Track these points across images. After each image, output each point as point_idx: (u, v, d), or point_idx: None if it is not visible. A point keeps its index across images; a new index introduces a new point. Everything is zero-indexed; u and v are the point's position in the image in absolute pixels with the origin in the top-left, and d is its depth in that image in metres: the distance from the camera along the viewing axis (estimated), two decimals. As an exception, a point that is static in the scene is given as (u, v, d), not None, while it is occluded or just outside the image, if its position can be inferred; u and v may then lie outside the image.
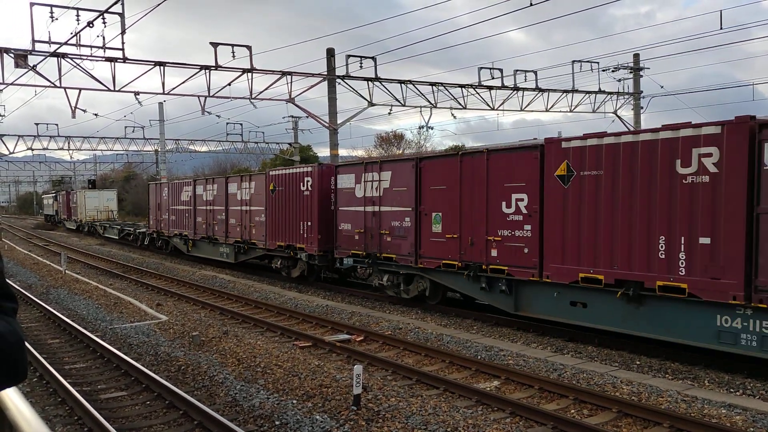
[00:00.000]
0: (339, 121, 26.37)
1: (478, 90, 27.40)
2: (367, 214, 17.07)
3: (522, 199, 12.76)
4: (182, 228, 28.92)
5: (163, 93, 23.04)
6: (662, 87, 53.97)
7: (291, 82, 24.05)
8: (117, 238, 40.74)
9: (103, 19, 18.55)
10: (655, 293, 10.48)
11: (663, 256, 10.35)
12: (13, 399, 1.42)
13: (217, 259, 26.09)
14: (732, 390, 9.19)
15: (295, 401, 8.38)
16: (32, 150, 45.73)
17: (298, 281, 20.83)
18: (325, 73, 24.89)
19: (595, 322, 11.68)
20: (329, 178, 18.99)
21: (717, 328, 9.83)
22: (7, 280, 1.47)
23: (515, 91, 28.26)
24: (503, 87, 27.66)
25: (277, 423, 7.69)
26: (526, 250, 12.69)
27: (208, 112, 26.43)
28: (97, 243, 41.62)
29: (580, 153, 11.59)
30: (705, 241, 9.84)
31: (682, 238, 10.10)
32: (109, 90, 21.85)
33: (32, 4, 18.86)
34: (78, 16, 18.88)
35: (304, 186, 19.77)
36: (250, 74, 22.82)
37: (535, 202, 12.45)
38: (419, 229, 15.37)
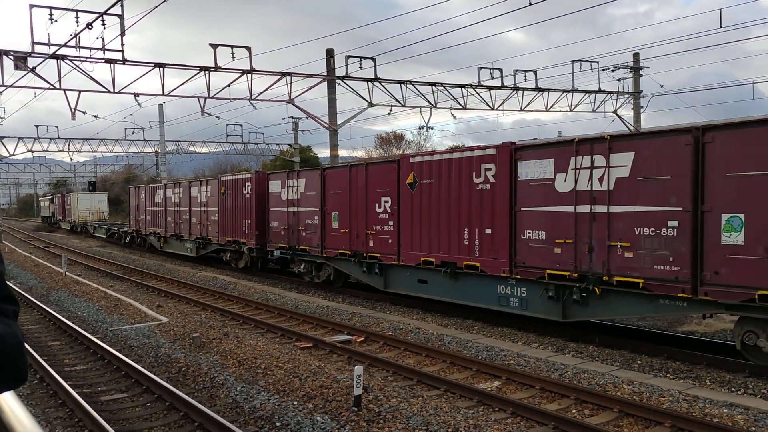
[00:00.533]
0: (339, 122, 26.36)
1: (477, 90, 27.39)
2: (290, 214, 20.55)
3: (387, 202, 16.35)
4: (156, 227, 32.52)
5: (163, 94, 23.04)
6: (662, 86, 53.96)
7: (291, 83, 24.06)
8: (105, 237, 44.02)
9: (103, 20, 18.55)
10: (462, 270, 14.05)
11: (466, 243, 13.93)
12: (8, 402, 1.41)
13: (183, 253, 29.56)
14: (734, 389, 9.17)
15: (295, 402, 8.37)
16: (32, 152, 45.76)
17: (244, 271, 23.99)
18: (325, 73, 24.89)
19: (433, 295, 15.13)
20: (265, 183, 22.23)
21: (497, 294, 13.45)
22: (8, 283, 1.46)
23: (515, 91, 28.25)
24: (503, 87, 27.65)
25: (277, 424, 7.68)
26: (390, 241, 16.25)
27: (208, 114, 26.42)
28: (97, 245, 41.63)
29: (420, 166, 15.16)
30: (488, 231, 13.45)
31: (476, 229, 13.71)
32: (108, 92, 21.84)
33: (32, 6, 18.86)
34: (77, 17, 18.89)
35: (246, 190, 23.12)
36: (249, 75, 22.82)
37: (395, 204, 16.03)
38: (324, 226, 18.88)
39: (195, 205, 27.71)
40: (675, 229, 10.21)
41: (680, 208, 10.13)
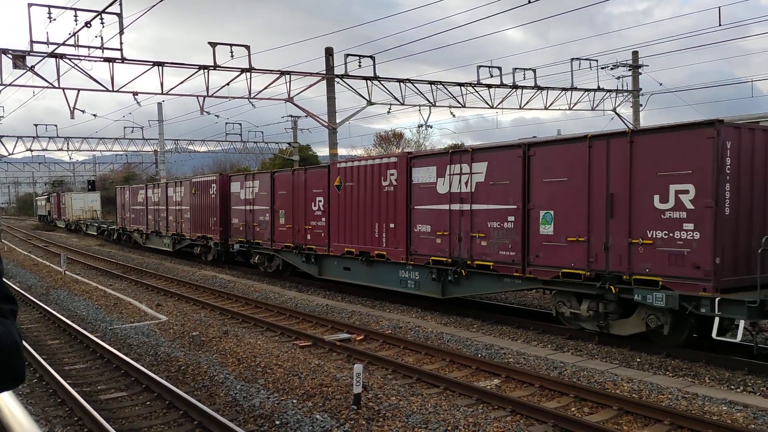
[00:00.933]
0: (338, 120, 26.35)
1: (476, 88, 27.38)
2: (247, 212, 23.25)
3: (321, 201, 18.99)
4: (139, 224, 35.22)
5: (162, 93, 23.02)
6: (661, 84, 53.99)
7: (290, 82, 24.04)
8: (96, 234, 46.85)
9: (101, 19, 18.53)
10: (374, 258, 16.69)
11: (376, 235, 16.59)
12: (7, 402, 1.40)
13: (162, 248, 32.10)
14: (733, 387, 9.18)
15: (295, 401, 8.37)
16: (31, 151, 45.71)
17: (212, 263, 26.72)
18: (324, 72, 24.87)
19: (355, 280, 17.80)
20: (227, 184, 24.97)
21: (399, 278, 16.11)
22: (7, 282, 1.45)
23: (514, 90, 28.23)
24: (502, 85, 27.64)
25: (277, 423, 7.68)
26: (322, 234, 18.89)
27: (207, 112, 26.42)
28: (96, 243, 41.63)
29: (345, 171, 17.82)
30: (392, 225, 16.10)
31: (384, 224, 16.32)
32: (107, 90, 21.83)
33: (30, 5, 18.82)
34: (76, 16, 18.86)
35: (212, 191, 25.70)
36: (248, 74, 22.80)
37: (327, 203, 18.65)
38: (273, 222, 21.51)
39: (171, 204, 30.28)
40: (512, 223, 12.99)
41: (515, 206, 12.87)
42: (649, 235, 10.55)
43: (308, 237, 19.61)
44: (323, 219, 18.90)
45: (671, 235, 10.27)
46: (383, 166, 16.41)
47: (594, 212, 11.45)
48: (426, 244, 15.09)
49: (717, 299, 9.61)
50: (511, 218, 12.99)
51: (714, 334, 9.70)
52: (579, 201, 11.69)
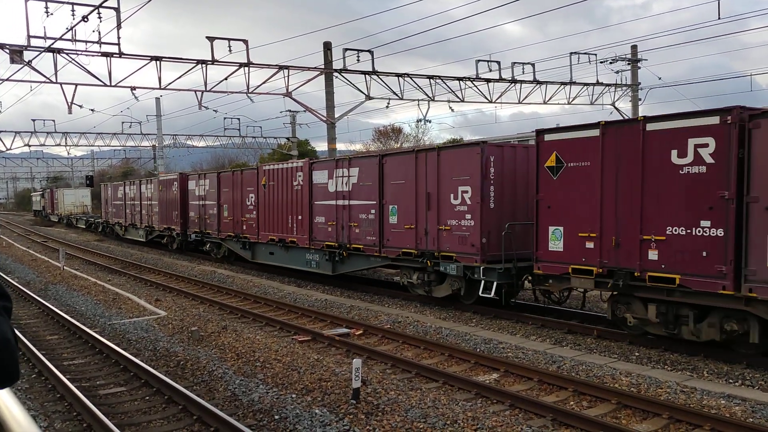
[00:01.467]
0: (336, 115, 26.30)
1: (475, 83, 27.33)
2: (200, 206, 27.06)
3: (252, 197, 22.81)
4: (119, 218, 39.09)
5: (160, 88, 22.96)
6: (660, 78, 53.89)
7: (288, 76, 23.98)
8: (84, 227, 50.87)
9: (99, 13, 18.45)
10: (289, 244, 20.57)
11: (290, 226, 20.47)
12: (3, 398, 1.39)
13: (137, 239, 35.89)
14: (731, 381, 9.19)
15: (294, 395, 8.37)
16: (29, 146, 45.63)
17: (176, 252, 30.45)
18: (322, 66, 24.81)
19: (277, 262, 21.64)
20: (185, 182, 28.85)
21: (306, 259, 19.90)
22: (6, 277, 1.43)
23: (513, 84, 28.19)
24: (501, 80, 27.59)
25: (276, 417, 7.69)
26: (254, 225, 22.67)
27: (205, 107, 26.34)
28: (95, 239, 41.59)
29: (269, 172, 21.75)
30: (300, 217, 19.92)
31: (295, 216, 20.17)
32: (105, 85, 21.77)
33: None
34: (73, 10, 18.79)
35: (174, 187, 29.53)
36: (246, 68, 22.74)
37: (256, 199, 22.50)
38: (219, 215, 25.38)
39: (144, 199, 34.07)
40: (374, 215, 16.79)
41: (375, 202, 16.69)
42: (448, 223, 14.60)
43: (244, 227, 23.41)
44: (254, 212, 22.72)
45: (459, 223, 14.35)
46: (294, 169, 20.37)
47: (419, 206, 15.36)
48: (322, 232, 18.95)
49: (482, 267, 13.69)
50: (373, 211, 16.90)
51: (480, 292, 13.71)
52: (411, 198, 15.55)
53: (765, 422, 7.43)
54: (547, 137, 12.28)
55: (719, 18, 21.39)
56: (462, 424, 7.32)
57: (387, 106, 27.98)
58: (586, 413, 7.94)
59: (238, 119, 43.97)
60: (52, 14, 18.79)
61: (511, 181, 14.16)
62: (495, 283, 13.32)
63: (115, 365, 10.46)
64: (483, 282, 13.75)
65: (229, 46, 21.54)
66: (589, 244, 11.46)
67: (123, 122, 45.01)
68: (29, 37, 19.25)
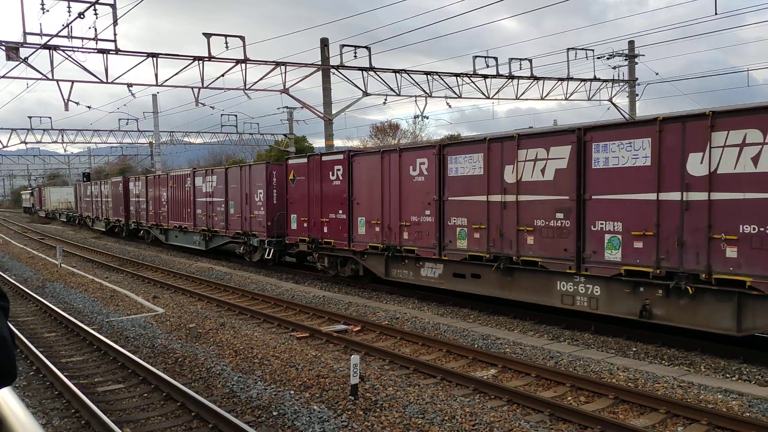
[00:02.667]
0: (334, 112, 26.27)
1: (473, 79, 27.31)
2: (137, 202, 34.75)
3: (164, 196, 30.53)
4: (89, 212, 47.06)
5: (157, 84, 22.89)
6: (657, 74, 53.89)
7: (285, 73, 23.92)
8: (66, 220, 58.58)
9: (95, 10, 18.40)
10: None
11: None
12: (3, 396, 1.39)
13: (100, 229, 43.42)
14: (728, 375, 9.22)
15: (292, 392, 8.38)
16: (26, 143, 45.49)
17: (127, 238, 37.55)
18: (319, 63, 24.77)
19: (191, 244, 27.77)
20: (127, 184, 36.72)
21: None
22: (3, 275, 1.43)
23: (510, 80, 28.17)
24: (498, 75, 27.56)
25: (274, 413, 7.70)
26: (162, 216, 30.31)
27: (202, 104, 26.26)
28: (92, 236, 41.55)
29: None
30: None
31: (187, 209, 27.15)
32: (101, 82, 21.70)
33: (23, -4, 18.66)
34: (69, 7, 18.71)
35: (119, 188, 37.40)
36: (243, 65, 22.68)
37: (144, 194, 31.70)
38: (147, 208, 32.58)
39: (103, 197, 42.04)
40: (223, 209, 24.17)
41: (222, 199, 23.82)
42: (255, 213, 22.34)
43: (161, 218, 31.36)
44: (164, 208, 30.72)
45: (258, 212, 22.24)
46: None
47: (243, 203, 22.87)
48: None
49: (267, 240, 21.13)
50: (222, 206, 24.37)
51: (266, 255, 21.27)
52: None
53: (762, 416, 7.46)
54: (291, 161, 20.58)
55: (716, 13, 21.41)
56: (460, 420, 7.33)
57: (384, 103, 27.92)
58: (584, 408, 7.96)
59: (236, 116, 43.86)
60: (48, 11, 18.73)
61: (281, 186, 21.10)
62: (273, 249, 21.13)
63: (113, 362, 10.46)
64: (267, 249, 21.80)
65: (226, 43, 21.47)
66: (304, 224, 19.41)
67: (120, 119, 44.97)
68: (25, 33, 19.18)
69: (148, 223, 32.74)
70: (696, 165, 9.85)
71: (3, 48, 19.82)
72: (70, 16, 18.78)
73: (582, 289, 11.72)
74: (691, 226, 9.91)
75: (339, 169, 17.84)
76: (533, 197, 12.37)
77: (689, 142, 9.95)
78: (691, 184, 9.90)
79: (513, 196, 12.71)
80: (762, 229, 9.08)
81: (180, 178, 28.38)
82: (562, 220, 11.86)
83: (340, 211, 17.83)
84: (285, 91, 24.75)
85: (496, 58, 26.98)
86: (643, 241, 10.54)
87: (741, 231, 9.31)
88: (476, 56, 26.72)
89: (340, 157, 17.93)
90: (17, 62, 20.16)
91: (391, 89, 25.92)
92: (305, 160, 19.65)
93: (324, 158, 18.76)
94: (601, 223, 11.20)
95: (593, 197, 11.31)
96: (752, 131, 9.22)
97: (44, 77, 21.20)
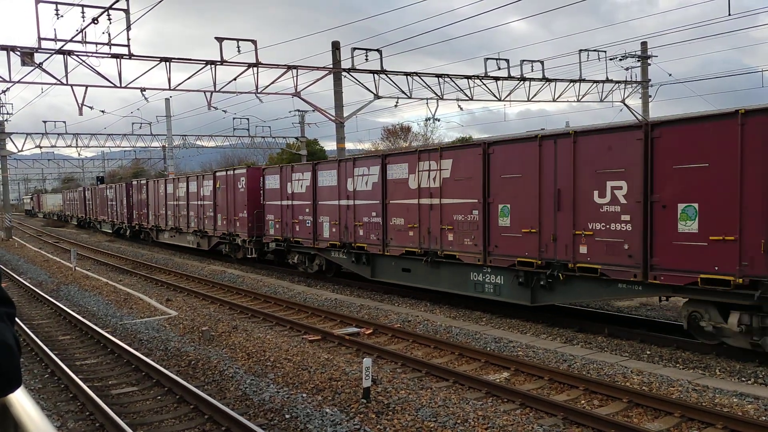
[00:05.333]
0: (345, 115, 26.32)
1: (484, 81, 27.27)
2: (113, 204, 41.31)
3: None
4: (76, 212, 57.68)
5: (170, 89, 23.07)
6: (670, 75, 53.54)
7: (296, 76, 24.03)
8: (57, 219, 71.13)
9: (108, 15, 18.56)
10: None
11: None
12: (18, 396, 1.41)
13: (74, 222, 57.54)
14: (743, 379, 9.13)
15: (305, 395, 8.40)
16: (40, 148, 45.94)
17: (114, 235, 43.67)
18: (331, 66, 24.83)
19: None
20: (104, 190, 44.82)
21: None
22: (19, 278, 1.44)
23: (522, 82, 28.10)
24: (510, 77, 27.51)
25: (287, 417, 7.71)
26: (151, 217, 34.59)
27: (214, 108, 26.44)
28: (106, 239, 41.85)
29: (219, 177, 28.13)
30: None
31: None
32: (115, 86, 21.89)
33: (38, 2, 18.88)
34: (83, 13, 18.91)
35: (96, 193, 48.12)
36: (255, 69, 22.80)
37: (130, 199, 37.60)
38: (127, 210, 38.89)
39: (80, 200, 54.25)
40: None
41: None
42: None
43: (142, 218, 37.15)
44: (144, 209, 36.35)
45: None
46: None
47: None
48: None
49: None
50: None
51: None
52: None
53: (778, 421, 7.38)
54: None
55: (729, 14, 21.23)
56: (473, 423, 7.31)
57: (395, 105, 28.08)
58: (597, 412, 7.91)
59: (247, 119, 44.13)
60: (62, 16, 18.95)
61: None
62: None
63: (127, 365, 10.53)
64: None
65: (238, 47, 21.61)
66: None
67: (133, 123, 45.28)
68: (40, 39, 19.39)
69: (131, 222, 38.74)
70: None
71: (18, 53, 20.04)
72: (84, 21, 18.97)
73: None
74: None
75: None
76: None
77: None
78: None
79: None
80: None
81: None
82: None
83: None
84: (297, 94, 24.84)
85: (507, 60, 26.94)
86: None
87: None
88: (487, 58, 26.70)
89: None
90: (32, 67, 20.38)
91: (403, 92, 25.94)
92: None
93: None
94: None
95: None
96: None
97: (59, 82, 21.41)
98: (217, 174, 26.47)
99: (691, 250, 10.07)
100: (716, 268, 9.73)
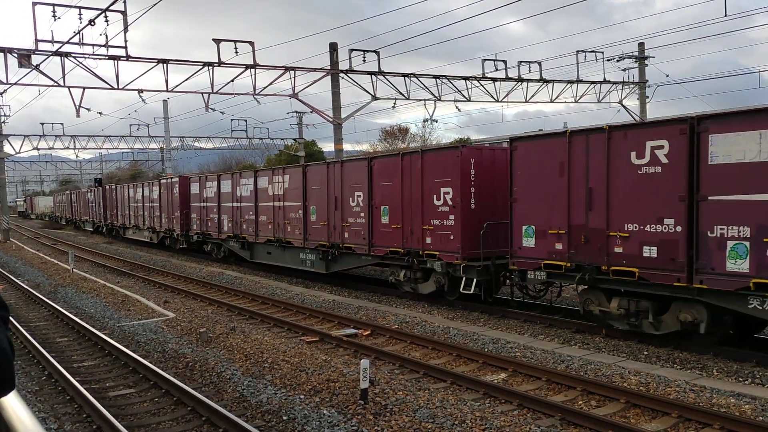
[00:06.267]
0: (343, 116, 26.33)
1: (482, 82, 27.30)
2: (94, 205, 44.91)
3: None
4: (65, 213, 62.53)
5: (167, 90, 23.05)
6: (668, 76, 53.65)
7: (294, 78, 24.03)
8: (47, 219, 77.64)
9: (106, 17, 18.55)
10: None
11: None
12: (9, 400, 1.40)
13: (64, 224, 62.83)
14: (741, 379, 9.14)
15: (302, 396, 8.39)
16: (38, 150, 45.90)
17: (94, 233, 47.61)
18: (329, 67, 24.84)
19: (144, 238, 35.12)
20: (86, 193, 50.26)
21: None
22: (16, 280, 1.44)
23: (519, 83, 28.13)
24: (507, 78, 27.54)
25: (284, 418, 7.71)
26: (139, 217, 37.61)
27: (212, 109, 26.43)
28: (104, 241, 41.81)
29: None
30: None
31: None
32: (112, 88, 21.88)
33: (35, 4, 18.87)
34: (80, 14, 18.90)
35: (62, 196, 64.46)
36: (253, 70, 22.80)
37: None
38: (104, 210, 42.98)
39: (66, 202, 60.37)
40: (177, 211, 28.52)
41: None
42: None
43: (127, 218, 39.03)
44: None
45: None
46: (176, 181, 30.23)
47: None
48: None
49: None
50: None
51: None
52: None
53: (775, 421, 7.39)
54: (190, 178, 28.89)
55: (726, 14, 21.28)
56: (470, 424, 7.31)
57: (393, 107, 28.00)
58: (595, 413, 7.91)
59: (245, 121, 44.10)
60: (59, 18, 18.92)
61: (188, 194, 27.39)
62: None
63: (125, 367, 10.51)
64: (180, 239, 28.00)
65: (236, 48, 21.61)
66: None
67: (131, 125, 45.26)
68: (37, 41, 19.39)
69: (118, 224, 42.42)
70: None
71: (15, 55, 20.02)
72: (81, 23, 18.96)
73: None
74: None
75: (213, 184, 25.56)
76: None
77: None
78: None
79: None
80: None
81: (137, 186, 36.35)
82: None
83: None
84: (294, 95, 24.84)
85: (505, 61, 26.97)
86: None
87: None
88: (485, 59, 26.74)
89: (215, 175, 25.96)
90: (29, 69, 20.36)
91: (401, 93, 25.96)
92: (198, 177, 28.04)
93: (208, 176, 27.08)
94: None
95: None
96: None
97: (56, 84, 21.40)
98: (162, 182, 31.77)
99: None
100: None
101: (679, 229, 10.17)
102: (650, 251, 10.56)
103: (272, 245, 21.41)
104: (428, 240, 15.08)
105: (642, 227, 10.67)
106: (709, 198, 9.79)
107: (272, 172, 21.28)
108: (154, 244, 34.41)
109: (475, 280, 13.98)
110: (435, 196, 14.79)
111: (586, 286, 11.76)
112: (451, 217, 14.43)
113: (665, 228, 10.36)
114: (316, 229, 18.94)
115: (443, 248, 14.65)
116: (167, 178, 31.73)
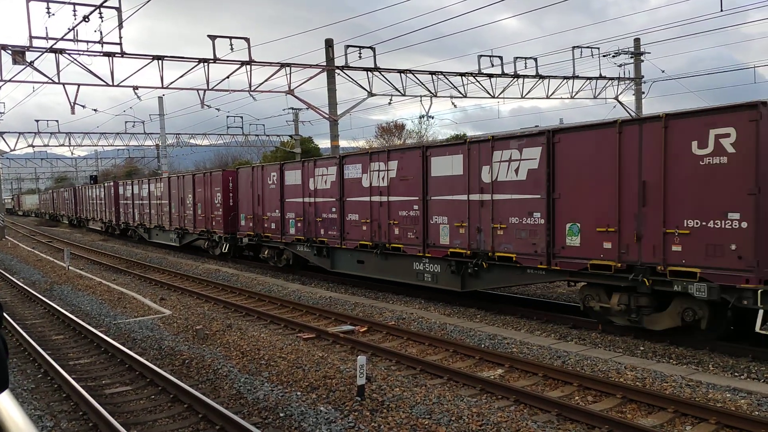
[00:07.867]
0: (339, 112, 26.29)
1: (478, 78, 27.28)
2: (71, 204, 53.41)
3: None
4: (47, 209, 69.54)
5: (162, 87, 22.98)
6: (663, 71, 53.71)
7: (290, 74, 23.97)
8: (34, 216, 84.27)
9: (100, 13, 18.46)
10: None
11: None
12: (2, 398, 1.39)
13: (49, 218, 70.34)
14: (737, 374, 9.17)
15: (299, 393, 8.38)
16: (33, 147, 45.72)
17: (71, 227, 51.95)
18: (324, 63, 24.79)
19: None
20: (76, 192, 52.41)
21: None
22: (12, 277, 1.43)
23: (515, 79, 28.12)
24: (503, 74, 27.52)
25: (281, 415, 7.70)
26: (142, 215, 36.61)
27: (207, 106, 26.35)
28: (100, 239, 41.72)
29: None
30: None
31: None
32: (107, 85, 21.80)
33: (29, 0, 18.76)
34: (75, 10, 18.81)
35: (53, 194, 70.00)
36: (248, 67, 22.73)
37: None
38: (96, 210, 44.67)
39: (53, 200, 66.73)
40: (220, 209, 25.18)
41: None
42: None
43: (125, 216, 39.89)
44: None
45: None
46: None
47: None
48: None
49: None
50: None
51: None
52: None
53: (771, 415, 7.41)
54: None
55: (722, 10, 21.29)
56: (467, 420, 7.32)
57: (389, 103, 27.91)
58: (592, 408, 7.93)
59: (241, 117, 44.00)
60: (53, 14, 18.82)
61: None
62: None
63: (121, 364, 10.49)
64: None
65: (231, 45, 21.54)
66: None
67: (126, 122, 45.07)
68: (31, 37, 19.28)
69: (84, 217, 48.45)
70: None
71: (9, 52, 19.91)
72: (75, 19, 18.87)
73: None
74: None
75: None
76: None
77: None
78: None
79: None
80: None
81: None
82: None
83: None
84: (290, 92, 24.78)
85: (501, 57, 26.97)
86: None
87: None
88: (481, 55, 26.72)
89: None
90: (23, 66, 20.26)
91: (396, 89, 25.92)
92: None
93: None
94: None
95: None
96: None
97: (50, 81, 21.30)
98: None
99: None
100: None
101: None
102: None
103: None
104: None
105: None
106: None
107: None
108: (107, 233, 36.33)
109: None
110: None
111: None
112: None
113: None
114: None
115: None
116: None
